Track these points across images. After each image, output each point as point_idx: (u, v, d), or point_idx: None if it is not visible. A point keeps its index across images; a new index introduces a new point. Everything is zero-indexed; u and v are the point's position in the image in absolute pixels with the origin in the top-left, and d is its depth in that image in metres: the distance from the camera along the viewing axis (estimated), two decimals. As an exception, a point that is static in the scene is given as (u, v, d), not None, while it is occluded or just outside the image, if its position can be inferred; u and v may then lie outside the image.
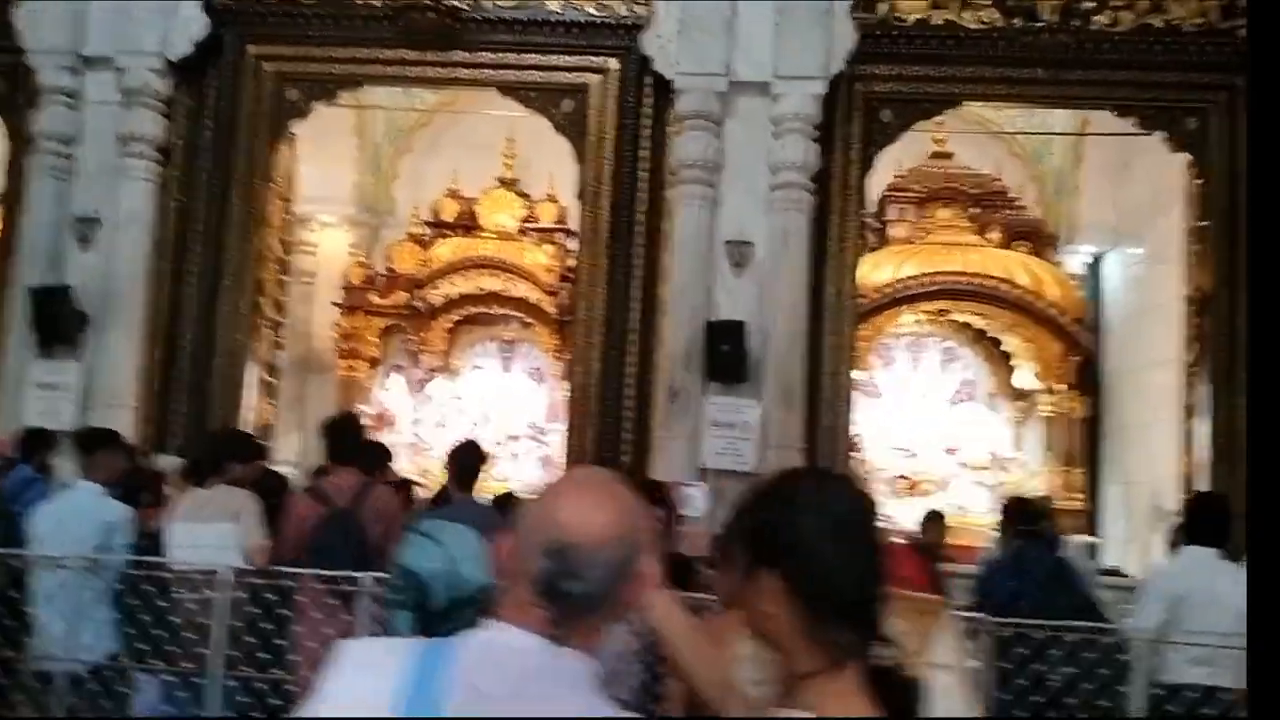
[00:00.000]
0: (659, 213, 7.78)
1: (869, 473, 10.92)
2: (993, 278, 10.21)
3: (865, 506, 1.33)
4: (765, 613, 1.31)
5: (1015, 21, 7.60)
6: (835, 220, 7.76)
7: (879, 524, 1.33)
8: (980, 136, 11.62)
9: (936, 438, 11.20)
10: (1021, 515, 5.52)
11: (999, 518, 6.03)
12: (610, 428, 7.70)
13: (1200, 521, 4.50)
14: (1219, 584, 4.27)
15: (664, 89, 7.73)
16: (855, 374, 10.98)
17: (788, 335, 7.44)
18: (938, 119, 10.74)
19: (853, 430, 11.09)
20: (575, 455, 7.77)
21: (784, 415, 7.35)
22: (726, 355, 7.36)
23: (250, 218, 8.16)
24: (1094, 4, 7.53)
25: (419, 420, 11.69)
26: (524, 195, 11.46)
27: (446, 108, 12.31)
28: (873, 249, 10.98)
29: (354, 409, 11.13)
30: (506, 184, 11.53)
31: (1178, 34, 7.49)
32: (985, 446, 11.09)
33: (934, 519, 6.75)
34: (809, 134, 7.52)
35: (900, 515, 9.85)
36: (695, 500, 7.12)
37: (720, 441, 7.36)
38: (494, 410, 11.77)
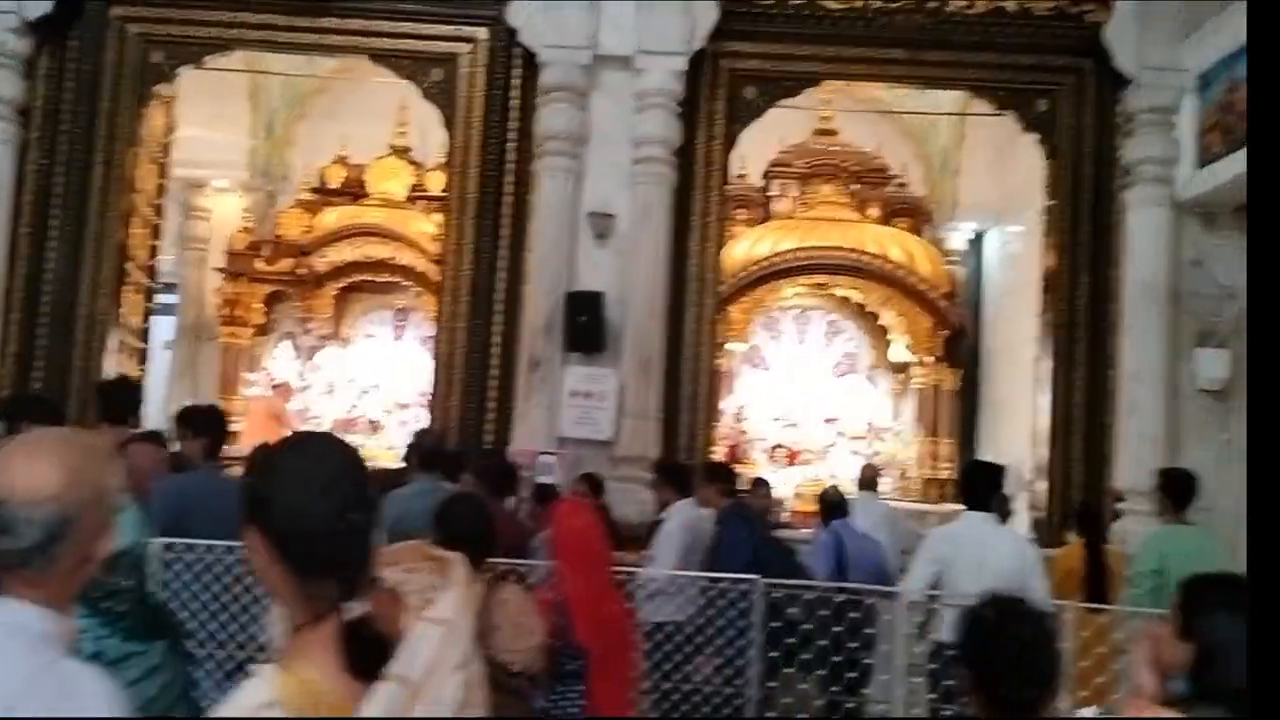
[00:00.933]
0: (526, 184, 7.83)
1: (747, 441, 11.19)
2: (868, 253, 10.46)
3: (345, 465, 1.43)
4: (261, 568, 1.41)
5: (874, 2, 7.75)
6: (698, 195, 7.88)
7: (362, 481, 1.43)
8: (872, 115, 11.83)
9: (818, 408, 11.49)
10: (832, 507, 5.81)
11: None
12: (475, 397, 7.77)
13: (975, 487, 4.70)
14: (988, 548, 4.47)
15: (531, 61, 7.77)
16: (736, 345, 11.36)
17: (647, 306, 7.55)
18: (824, 97, 11.02)
19: (738, 401, 11.52)
20: (440, 425, 7.84)
21: (642, 385, 7.48)
22: (585, 325, 7.47)
23: (115, 182, 8.04)
24: (949, -14, 7.70)
25: (307, 388, 11.69)
26: (416, 164, 11.44)
27: (344, 74, 12.20)
28: (757, 223, 11.19)
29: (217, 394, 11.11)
30: (398, 152, 11.50)
31: (1029, 18, 7.70)
32: (863, 417, 11.40)
33: (760, 485, 6.96)
34: (672, 109, 7.61)
35: (781, 483, 10.16)
36: (551, 469, 7.25)
37: (577, 411, 7.49)
38: (384, 378, 11.82)
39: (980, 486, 4.67)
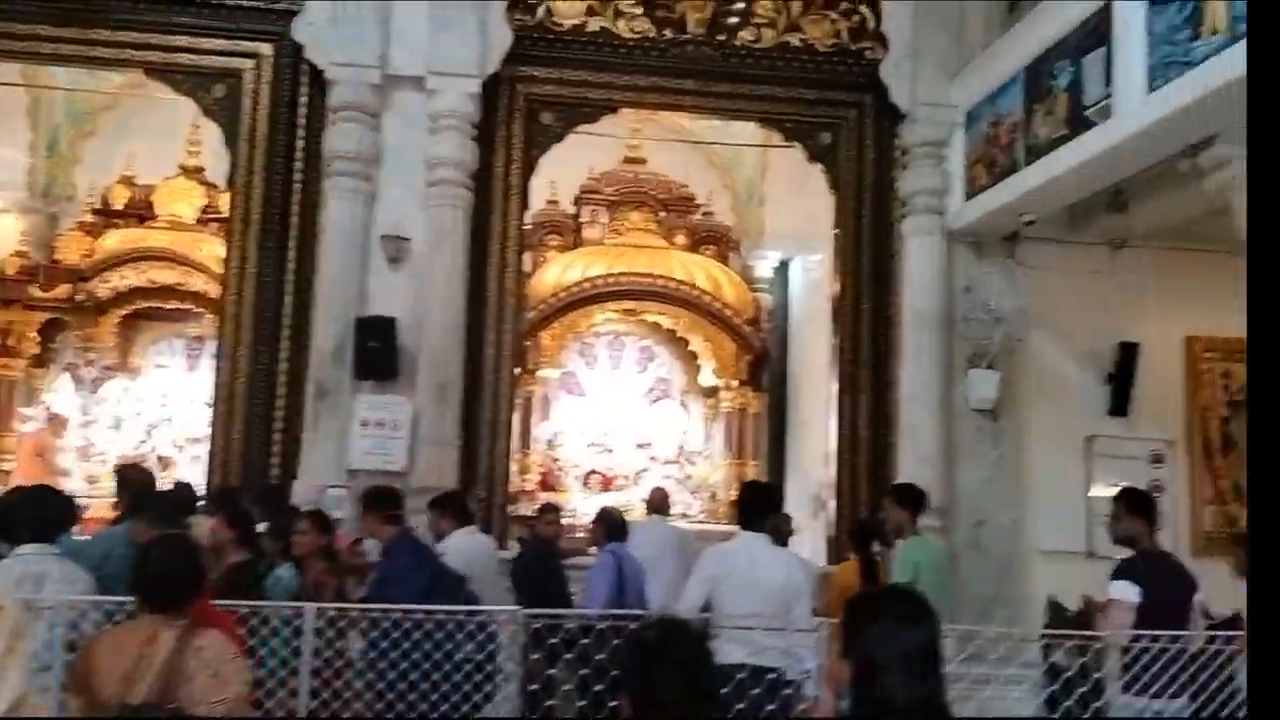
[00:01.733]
0: (315, 205, 7.57)
1: (560, 468, 11.14)
2: (675, 279, 10.60)
3: None
4: None
5: (666, 32, 7.88)
6: (497, 219, 7.79)
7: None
8: (682, 144, 12.03)
9: (632, 433, 11.54)
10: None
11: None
12: (259, 427, 7.43)
13: (749, 508, 4.76)
14: (760, 567, 4.51)
15: (319, 78, 7.54)
16: (549, 371, 11.31)
17: (443, 332, 7.40)
18: (633, 126, 11.15)
19: (553, 427, 11.46)
20: (221, 457, 7.45)
21: (437, 413, 7.31)
22: (377, 351, 7.26)
23: None
24: (738, 20, 7.91)
25: (91, 422, 10.95)
26: (209, 185, 10.92)
27: (134, 90, 11.57)
28: (568, 248, 11.19)
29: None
30: (189, 172, 10.97)
31: (813, 53, 7.99)
32: (675, 441, 11.52)
33: (548, 511, 6.90)
34: (467, 132, 7.52)
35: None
36: (341, 502, 6.96)
37: (369, 441, 7.25)
38: (176, 412, 11.19)
39: (754, 507, 4.72)
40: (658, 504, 7.33)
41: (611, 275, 10.59)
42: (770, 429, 10.84)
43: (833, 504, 7.93)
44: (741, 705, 4.10)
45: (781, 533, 5.46)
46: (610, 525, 6.04)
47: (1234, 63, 4.70)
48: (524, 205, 8.05)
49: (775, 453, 10.98)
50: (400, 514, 5.17)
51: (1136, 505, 4.59)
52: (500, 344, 7.77)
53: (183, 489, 7.49)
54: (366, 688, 3.79)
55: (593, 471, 11.18)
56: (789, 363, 10.92)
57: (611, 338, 11.77)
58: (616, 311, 11.08)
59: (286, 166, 7.61)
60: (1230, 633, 4.39)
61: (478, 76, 7.51)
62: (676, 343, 11.68)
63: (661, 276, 10.63)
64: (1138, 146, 5.72)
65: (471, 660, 3.89)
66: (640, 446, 11.45)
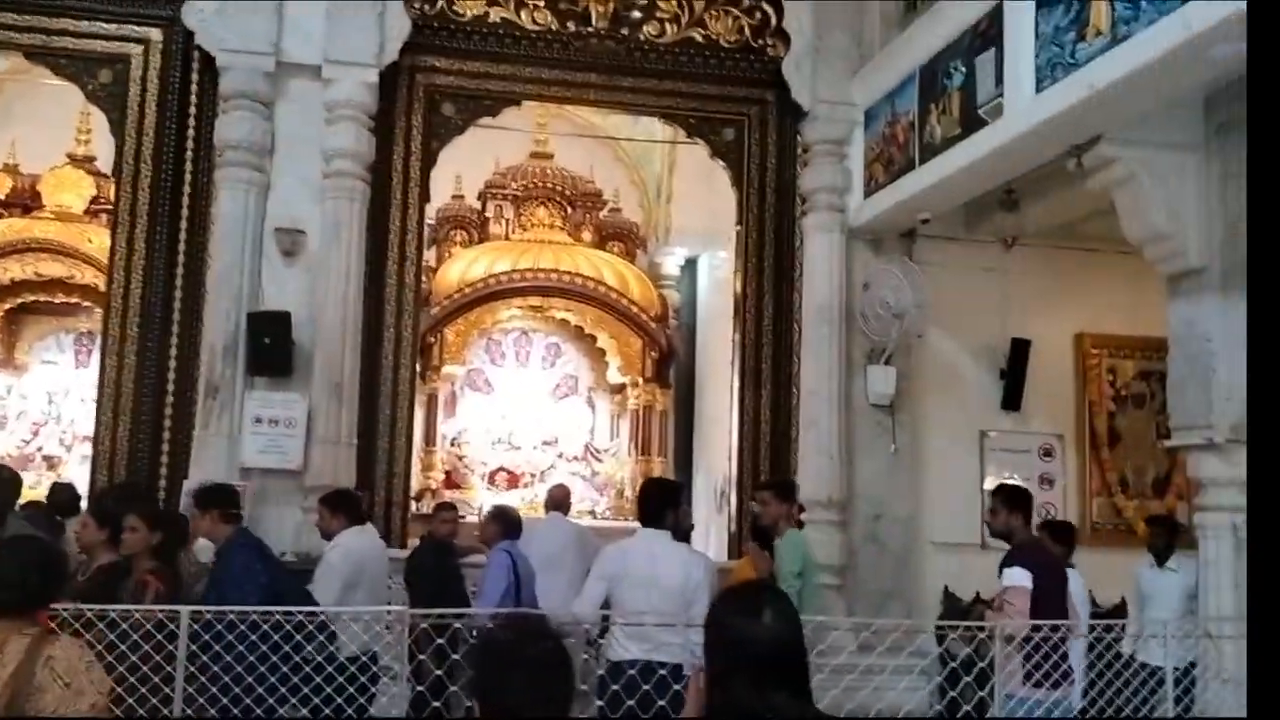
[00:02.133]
0: (205, 195, 7.32)
1: (466, 466, 11.01)
2: (582, 275, 10.55)
3: None
4: None
5: (569, 25, 7.83)
6: (396, 212, 7.63)
7: None
8: (589, 140, 11.98)
9: (538, 430, 11.45)
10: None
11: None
12: (149, 425, 7.17)
13: (649, 505, 4.71)
14: (659, 563, 4.49)
15: (211, 65, 7.29)
16: (454, 369, 11.16)
17: (340, 327, 7.17)
18: (540, 120, 11.06)
19: (459, 425, 11.31)
20: (108, 456, 7.17)
21: (334, 410, 7.11)
22: (270, 347, 7.05)
23: None
24: (642, 14, 7.89)
25: (-29, 421, 10.48)
26: (99, 174, 10.51)
27: (18, 75, 11.05)
28: (473, 244, 11.07)
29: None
30: (78, 161, 10.54)
31: (716, 49, 8.01)
32: (582, 439, 11.46)
33: (444, 509, 6.80)
34: (364, 122, 7.34)
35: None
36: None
37: (262, 439, 7.05)
38: (65, 409, 10.76)
39: (655, 503, 4.70)
40: (558, 501, 7.28)
41: (517, 271, 10.51)
42: (678, 425, 10.86)
43: (734, 498, 7.97)
44: (632, 701, 4.07)
45: (682, 529, 5.44)
46: (505, 523, 5.96)
47: (1116, 64, 4.84)
48: (424, 198, 7.89)
49: (683, 449, 11.02)
50: (238, 512, 5.00)
51: (1013, 500, 4.71)
52: (400, 340, 7.59)
53: (62, 490, 7.24)
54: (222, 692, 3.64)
55: (499, 469, 11.05)
56: (696, 359, 10.98)
57: (518, 334, 11.68)
58: (523, 308, 11.00)
59: (177, 156, 7.35)
60: (1115, 620, 4.53)
61: (375, 66, 7.33)
62: (584, 339, 11.64)
63: (568, 273, 10.58)
64: (1026, 145, 5.85)
65: (322, 661, 3.77)
66: (547, 444, 11.37)
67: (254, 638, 3.61)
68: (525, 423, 11.41)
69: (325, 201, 7.29)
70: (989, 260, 7.98)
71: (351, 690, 3.86)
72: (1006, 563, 4.51)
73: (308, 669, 3.69)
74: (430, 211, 8.57)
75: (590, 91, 8.08)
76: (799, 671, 1.89)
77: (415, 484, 8.91)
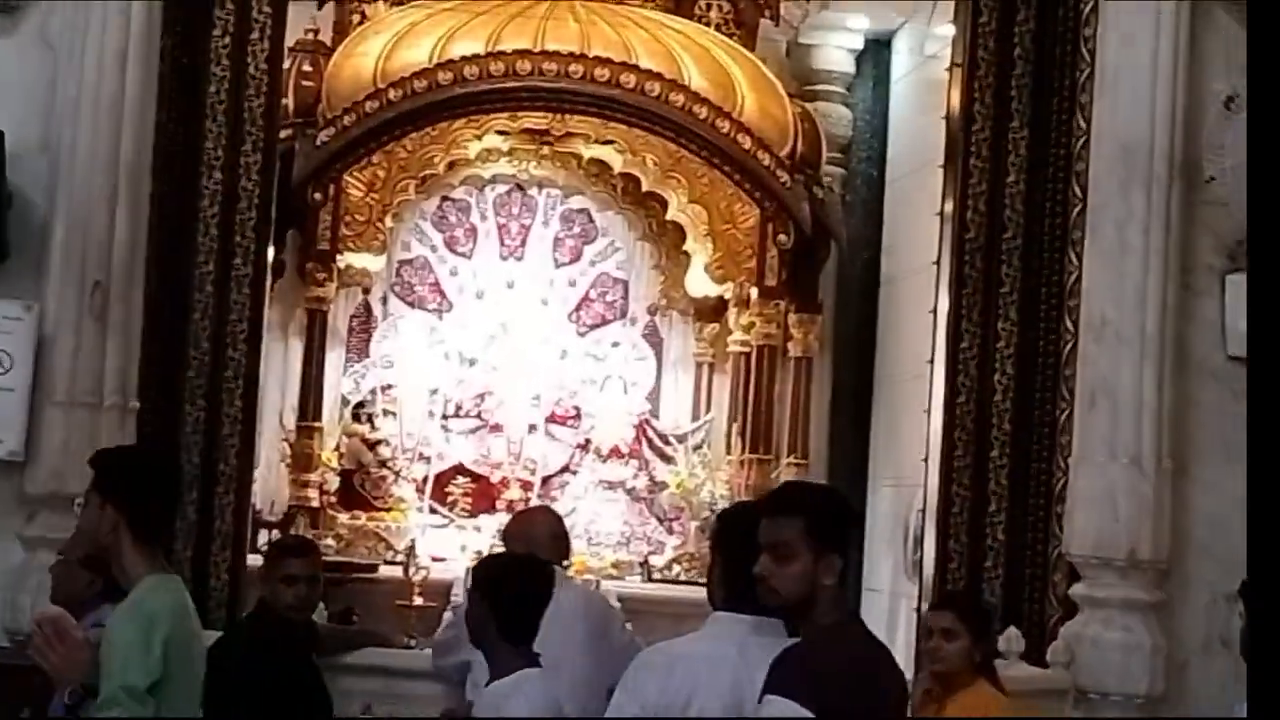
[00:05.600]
0: None
1: (388, 462, 6.98)
2: (639, 71, 6.27)
3: None
4: None
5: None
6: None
7: None
8: None
9: (543, 391, 7.28)
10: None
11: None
12: None
13: (734, 557, 3.35)
14: (748, 695, 2.61)
15: None
16: (365, 259, 7.49)
17: (106, 172, 4.05)
18: None
19: (376, 376, 7.51)
20: None
21: (91, 336, 4.06)
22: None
23: None
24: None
25: None
26: None
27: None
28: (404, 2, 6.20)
29: None
30: None
31: None
32: (633, 410, 7.27)
33: (290, 552, 3.76)
34: None
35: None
36: None
37: None
38: None
39: (743, 549, 3.16)
40: (540, 540, 3.71)
41: (500, 56, 5.82)
42: (838, 390, 6.73)
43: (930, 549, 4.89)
44: None
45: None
46: (520, 604, 3.19)
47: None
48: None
49: (851, 439, 6.81)
50: None
51: None
52: (233, 195, 4.38)
53: None
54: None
55: (457, 468, 6.70)
56: (882, 256, 6.62)
57: (504, 191, 6.90)
58: (513, 135, 6.42)
59: None
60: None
61: None
62: (641, 206, 7.07)
63: (610, 62, 5.89)
64: None
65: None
66: (557, 420, 6.96)
67: None
68: (513, 374, 6.50)
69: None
70: None
71: None
72: None
73: None
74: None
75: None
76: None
77: (270, 496, 6.06)
